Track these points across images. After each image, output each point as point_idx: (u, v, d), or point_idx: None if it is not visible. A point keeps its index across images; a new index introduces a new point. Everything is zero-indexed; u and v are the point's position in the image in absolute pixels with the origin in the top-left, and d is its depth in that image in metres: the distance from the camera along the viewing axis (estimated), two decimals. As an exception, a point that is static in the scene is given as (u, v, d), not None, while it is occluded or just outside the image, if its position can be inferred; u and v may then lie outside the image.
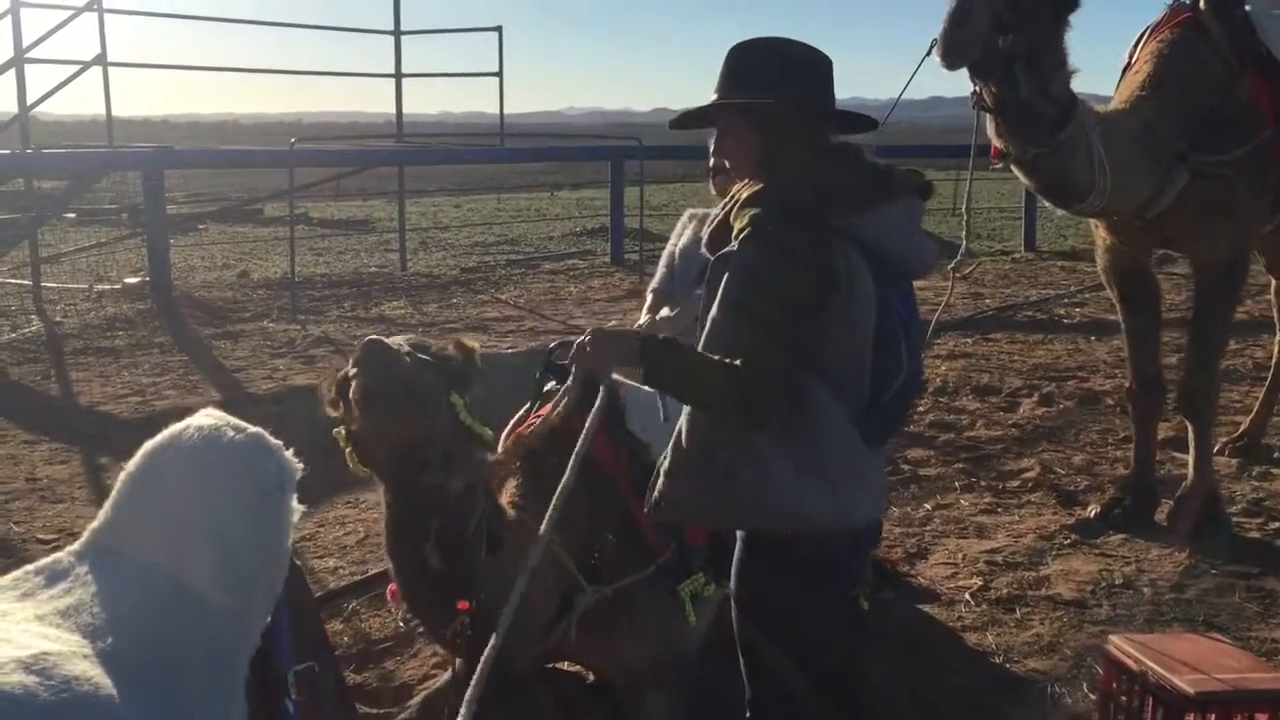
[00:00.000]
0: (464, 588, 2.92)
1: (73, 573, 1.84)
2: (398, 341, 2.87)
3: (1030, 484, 5.88)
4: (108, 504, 1.98)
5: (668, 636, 3.40)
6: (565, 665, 3.75)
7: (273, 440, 2.02)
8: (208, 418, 2.04)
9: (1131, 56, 5.31)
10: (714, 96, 2.56)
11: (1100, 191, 4.67)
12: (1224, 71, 5.01)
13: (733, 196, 2.58)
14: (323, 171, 14.70)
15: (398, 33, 13.74)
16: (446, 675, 3.64)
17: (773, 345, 2.37)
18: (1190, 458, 5.35)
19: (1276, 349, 6.63)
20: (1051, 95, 4.44)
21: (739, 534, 2.64)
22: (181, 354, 9.13)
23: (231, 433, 2.01)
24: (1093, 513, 5.39)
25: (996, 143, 4.60)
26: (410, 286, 12.66)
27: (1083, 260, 14.28)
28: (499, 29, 13.37)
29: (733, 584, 2.65)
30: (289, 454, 2.01)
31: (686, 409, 2.56)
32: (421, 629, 3.16)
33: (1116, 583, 4.67)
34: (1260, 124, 4.99)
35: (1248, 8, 5.13)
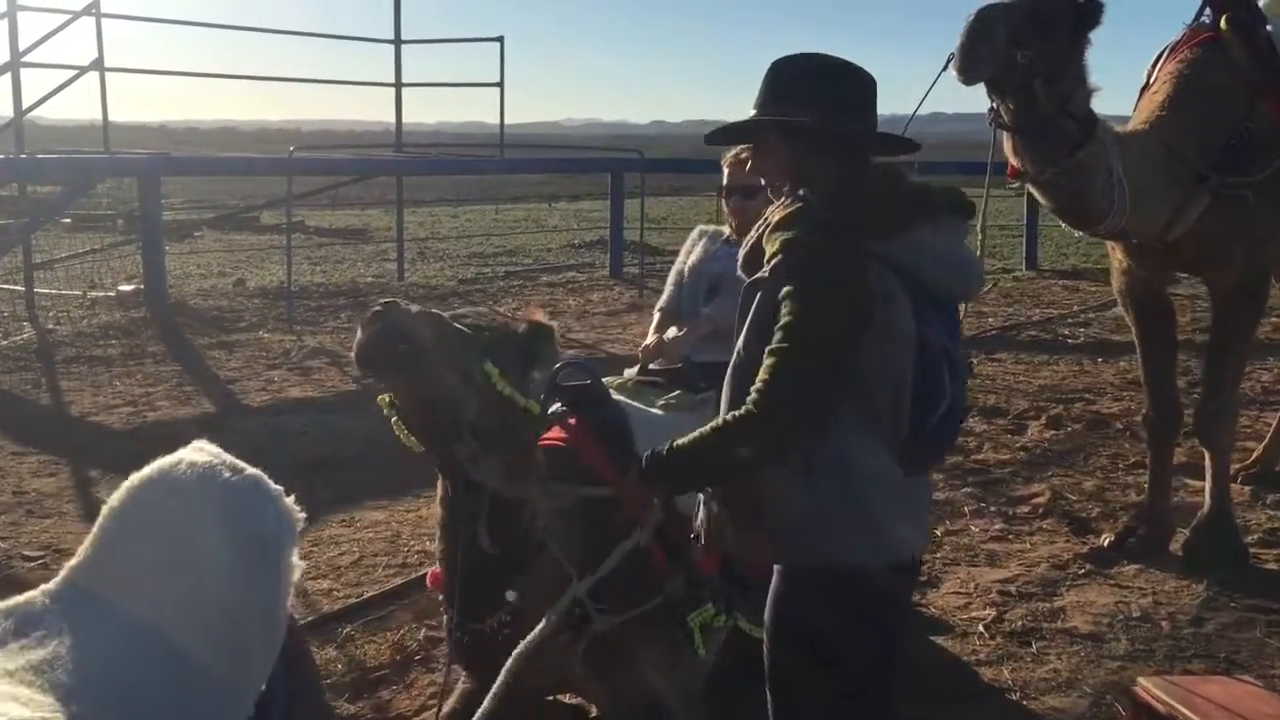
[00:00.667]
0: (513, 576, 2.82)
1: (47, 617, 1.68)
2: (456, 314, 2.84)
3: (1041, 510, 5.75)
4: (88, 541, 1.81)
5: (676, 669, 3.27)
6: (566, 697, 3.62)
7: (272, 485, 1.85)
8: (200, 453, 1.87)
9: (1150, 76, 5.19)
10: (752, 112, 2.46)
11: (1119, 213, 4.55)
12: (1246, 92, 4.89)
13: (765, 219, 2.46)
14: (321, 180, 14.54)
15: (398, 42, 13.62)
16: (448, 707, 3.51)
17: (799, 374, 2.26)
18: (1207, 486, 5.22)
19: (1291, 375, 6.52)
20: (1071, 113, 4.32)
21: (775, 565, 2.52)
22: (175, 364, 8.99)
23: (227, 473, 1.83)
24: (1106, 541, 5.26)
25: (1014, 161, 4.48)
26: (407, 297, 12.43)
27: (1084, 279, 14.21)
28: (500, 39, 13.26)
29: (766, 617, 2.53)
30: (289, 501, 1.84)
31: None
32: (453, 621, 3.01)
33: (1134, 616, 4.54)
34: (1282, 145, 4.87)
35: (1269, 28, 5.02)
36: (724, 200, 4.08)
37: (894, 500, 2.39)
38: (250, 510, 1.79)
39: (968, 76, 4.12)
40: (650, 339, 4.02)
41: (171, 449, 6.83)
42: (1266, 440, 6.39)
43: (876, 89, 2.46)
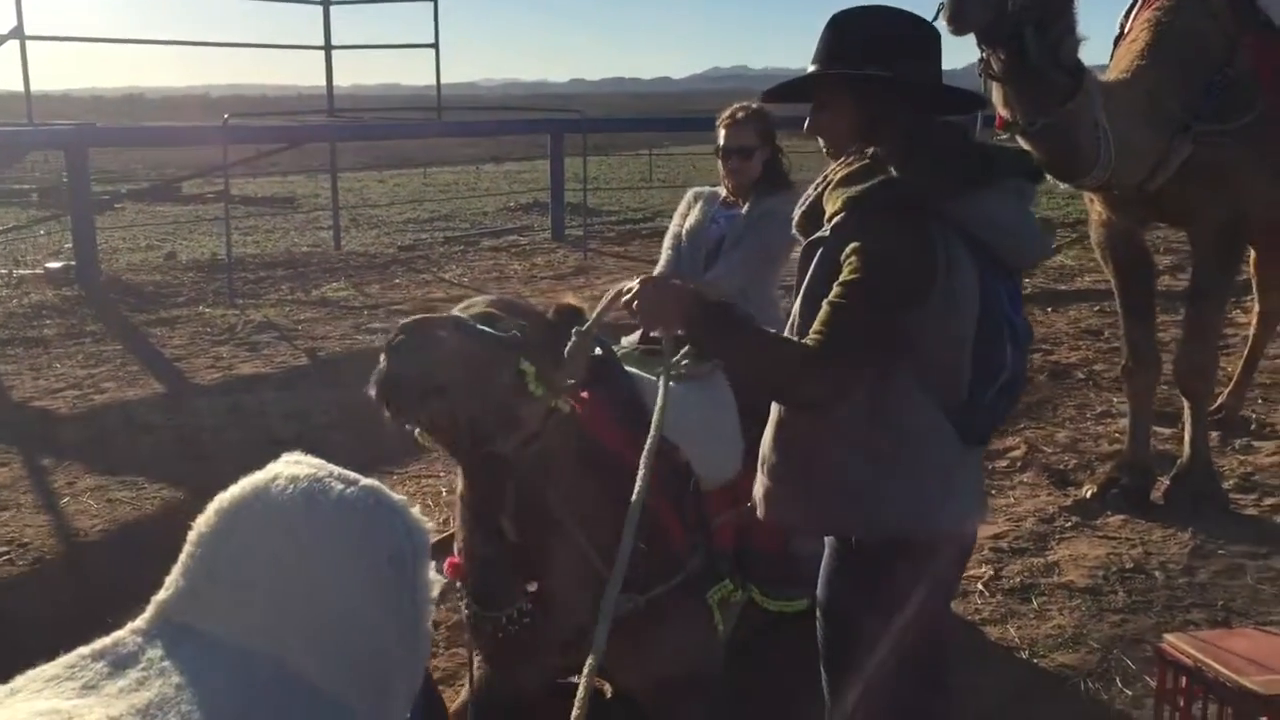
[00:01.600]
0: (537, 564, 2.75)
1: (143, 657, 1.50)
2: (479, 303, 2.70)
3: (1019, 464, 5.77)
4: (176, 571, 1.62)
5: (699, 646, 3.20)
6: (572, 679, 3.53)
7: (394, 495, 1.67)
8: (299, 466, 1.67)
9: (1125, 25, 5.17)
10: (811, 68, 2.34)
11: (1104, 164, 4.51)
12: (1224, 39, 4.88)
13: (825, 176, 2.36)
14: (251, 148, 14.10)
15: (327, 3, 13.24)
16: (461, 698, 3.40)
17: (852, 334, 2.16)
18: (1186, 434, 5.26)
19: (1254, 320, 6.58)
20: (1061, 63, 4.26)
21: (828, 539, 2.44)
22: (115, 343, 8.67)
23: (339, 486, 1.63)
24: (1089, 493, 5.27)
25: (1003, 112, 4.41)
26: (348, 266, 12.25)
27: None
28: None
29: (820, 593, 2.45)
30: (416, 511, 1.66)
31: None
32: (472, 611, 2.90)
33: (1127, 567, 4.55)
34: (1259, 92, 4.87)
35: (1244, -27, 5.01)
36: (721, 161, 3.96)
37: (953, 470, 2.31)
38: (374, 526, 1.59)
39: (959, 26, 4.01)
40: None
41: (126, 432, 6.55)
42: (1230, 386, 6.45)
43: (941, 43, 2.36)
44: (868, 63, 2.27)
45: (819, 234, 2.27)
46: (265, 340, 8.73)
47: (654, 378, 3.46)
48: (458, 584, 3.04)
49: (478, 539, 2.77)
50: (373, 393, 2.54)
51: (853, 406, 2.25)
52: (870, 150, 2.28)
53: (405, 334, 2.49)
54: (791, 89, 2.46)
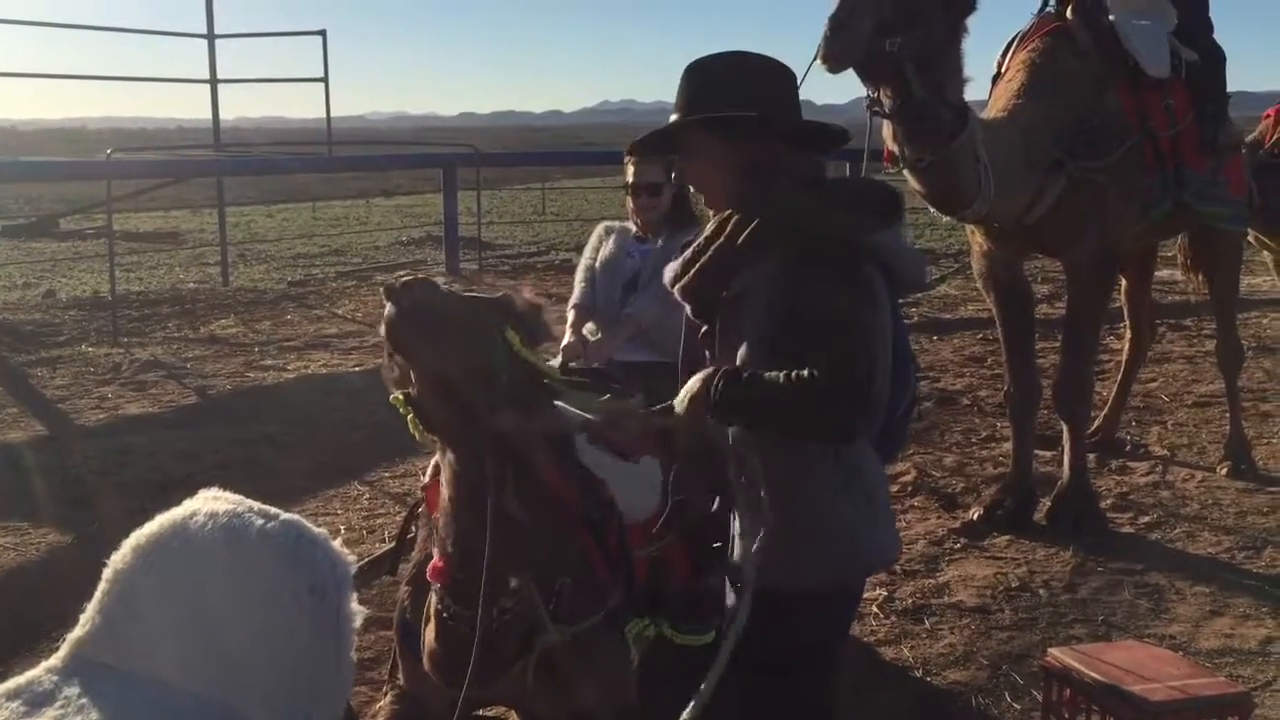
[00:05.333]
0: (517, 559, 2.66)
1: (60, 695, 1.49)
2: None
3: (910, 488, 5.91)
4: (91, 609, 1.60)
5: (617, 680, 3.21)
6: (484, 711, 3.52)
7: (315, 529, 1.67)
8: (218, 502, 1.68)
9: (1002, 65, 5.39)
10: (674, 117, 2.34)
11: (985, 198, 4.70)
12: (1094, 79, 5.13)
13: (719, 225, 2.34)
14: (134, 182, 13.81)
15: (211, 36, 13.06)
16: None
17: (861, 358, 2.14)
18: (1065, 456, 5.46)
19: (1126, 346, 6.87)
20: (947, 100, 4.42)
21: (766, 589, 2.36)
22: (-7, 384, 8.40)
23: (260, 520, 1.64)
24: (976, 515, 5.44)
25: (891, 146, 4.56)
26: (237, 303, 12.03)
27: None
28: (323, 33, 12.86)
29: (738, 648, 2.46)
30: (338, 544, 1.67)
31: None
32: (451, 612, 2.86)
33: (1013, 586, 4.71)
34: (1128, 130, 5.13)
35: (1112, 17, 5.27)
36: (630, 197, 4.04)
37: (887, 499, 2.38)
38: (296, 559, 1.59)
39: (831, 64, 4.15)
40: (569, 338, 3.95)
41: (8, 476, 6.37)
42: (1105, 409, 6.72)
43: (796, 80, 2.41)
44: (729, 106, 2.26)
45: (743, 286, 2.26)
46: (153, 379, 8.53)
47: (581, 411, 3.49)
48: (436, 586, 3.00)
49: (472, 523, 2.70)
50: (382, 330, 2.51)
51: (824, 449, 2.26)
52: (757, 194, 2.28)
53: (409, 277, 2.51)
54: (660, 139, 2.44)
